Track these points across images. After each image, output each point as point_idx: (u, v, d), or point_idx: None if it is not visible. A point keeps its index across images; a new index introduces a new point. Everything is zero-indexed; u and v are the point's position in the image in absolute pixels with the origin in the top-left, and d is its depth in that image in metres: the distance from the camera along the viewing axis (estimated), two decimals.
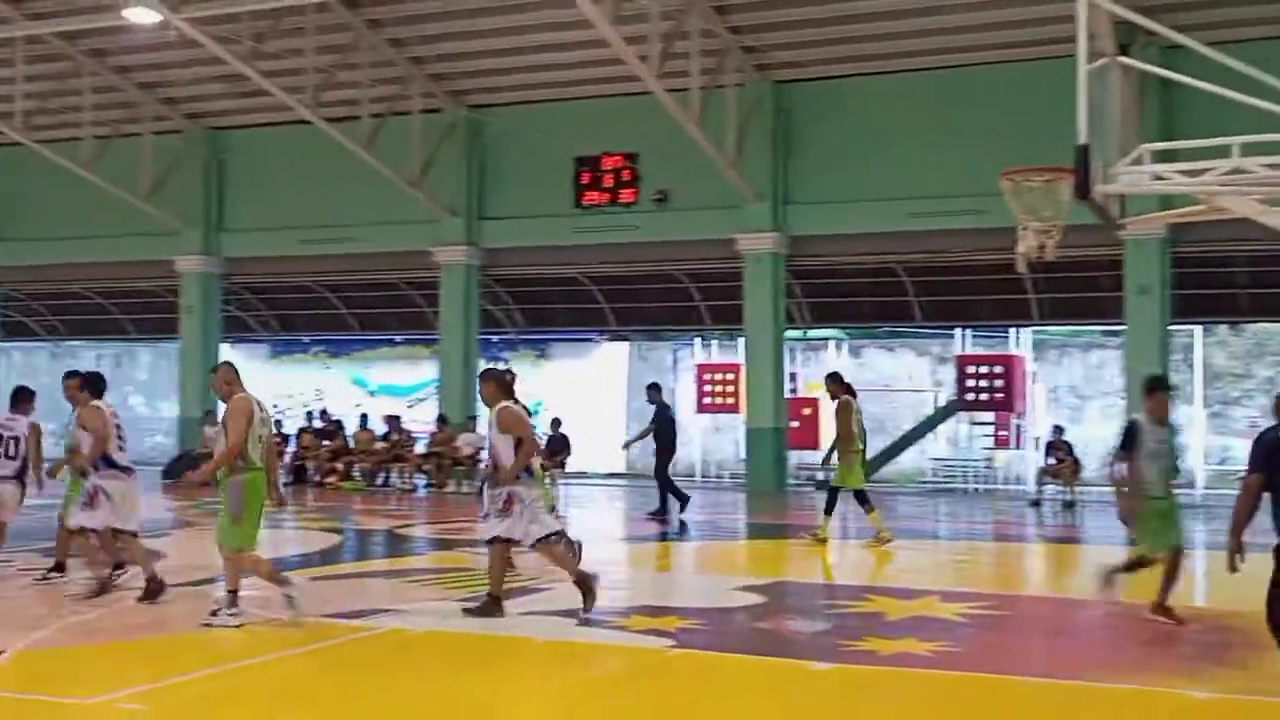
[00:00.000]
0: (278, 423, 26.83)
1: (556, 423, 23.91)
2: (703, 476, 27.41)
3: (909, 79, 22.58)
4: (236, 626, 9.20)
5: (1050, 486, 21.96)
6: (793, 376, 26.08)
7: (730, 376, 26.52)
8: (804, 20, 21.63)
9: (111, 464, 10.45)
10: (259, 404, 9.56)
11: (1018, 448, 25.58)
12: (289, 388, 30.51)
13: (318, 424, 25.92)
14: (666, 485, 18.59)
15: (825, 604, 11.32)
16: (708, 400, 26.88)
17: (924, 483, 26.53)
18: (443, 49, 23.65)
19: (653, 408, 19.11)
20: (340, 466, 24.61)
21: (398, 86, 24.07)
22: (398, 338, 30.41)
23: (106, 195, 26.16)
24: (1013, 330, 25.71)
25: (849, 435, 15.01)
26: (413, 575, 12.73)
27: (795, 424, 25.04)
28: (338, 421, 25.77)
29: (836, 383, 15.53)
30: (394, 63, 23.64)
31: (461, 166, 25.04)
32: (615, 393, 28.53)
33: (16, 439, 11.19)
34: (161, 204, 26.62)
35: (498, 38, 22.78)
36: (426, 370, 28.85)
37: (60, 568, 11.57)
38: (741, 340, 25.06)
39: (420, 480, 24.09)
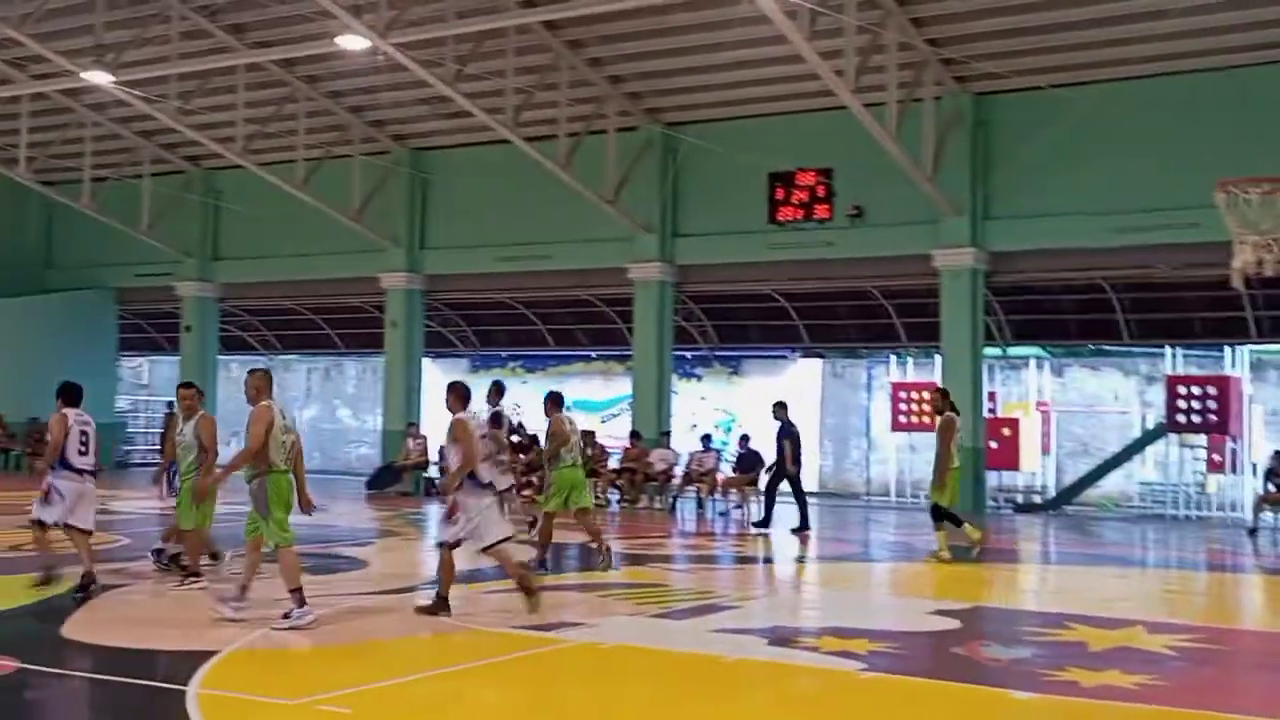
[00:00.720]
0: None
1: (745, 439, 23.83)
2: (898, 496, 26.95)
3: (1115, 88, 21.82)
4: (309, 625, 9.54)
5: (1269, 514, 20.86)
6: (991, 396, 25.44)
7: (926, 395, 26.02)
8: (1005, 30, 21.14)
9: (68, 466, 11.16)
10: (281, 412, 10.26)
11: (1233, 473, 24.39)
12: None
13: (513, 438, 26.38)
14: (769, 495, 19.28)
15: (1024, 631, 10.96)
16: (903, 419, 26.44)
17: (1130, 507, 25.53)
18: (640, 67, 23.92)
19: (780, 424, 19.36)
20: (535, 481, 25.00)
21: (595, 105, 24.44)
22: (592, 353, 30.80)
23: (318, 215, 27.28)
24: (1228, 349, 24.56)
25: (948, 453, 14.89)
26: (605, 590, 12.84)
27: (994, 444, 24.42)
28: (533, 436, 26.18)
29: (944, 398, 15.50)
30: (592, 82, 24.01)
31: (656, 183, 25.25)
32: (809, 410, 28.31)
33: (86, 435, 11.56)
34: (369, 223, 27.61)
35: (694, 55, 22.92)
36: (620, 386, 29.14)
37: (213, 556, 12.90)
38: (938, 358, 24.58)
39: (613, 495, 24.31)
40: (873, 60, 20.31)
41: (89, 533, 11.33)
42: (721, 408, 29.33)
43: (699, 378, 29.37)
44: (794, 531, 18.57)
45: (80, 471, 11.28)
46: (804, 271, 25.09)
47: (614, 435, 26.95)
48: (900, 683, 8.41)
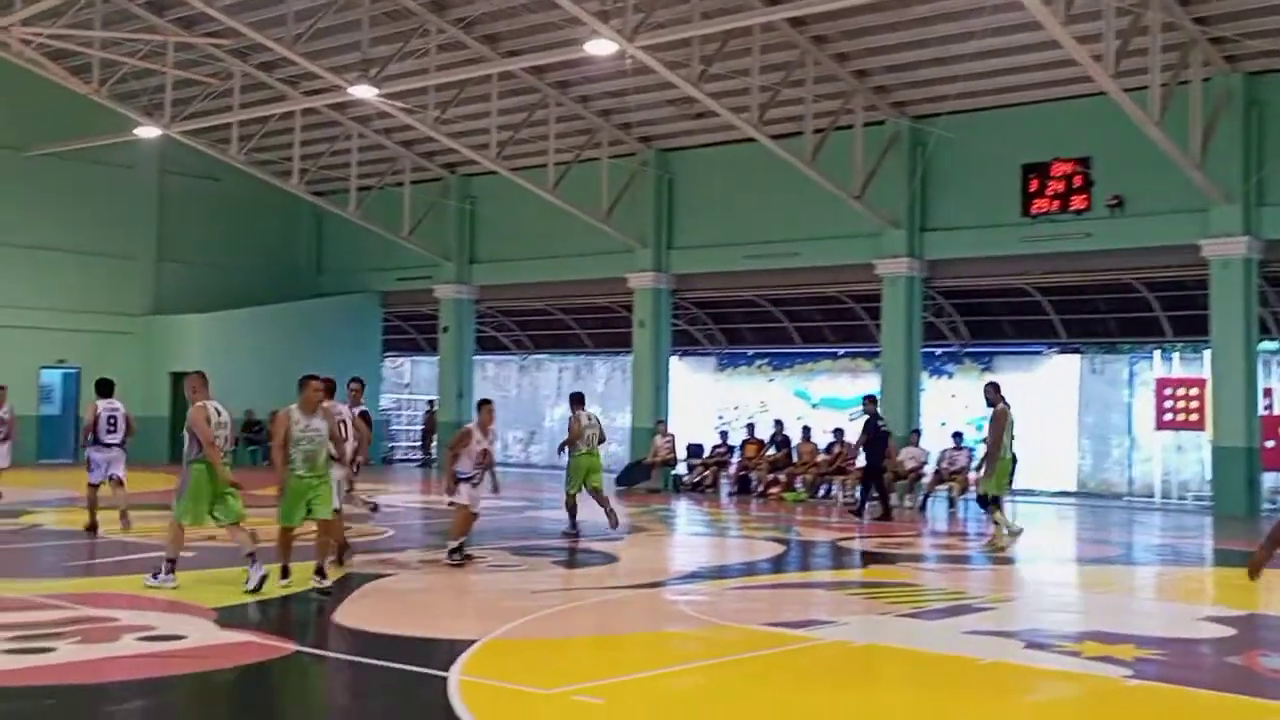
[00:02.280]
0: (724, 434, 27.82)
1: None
2: (1163, 497, 25.72)
3: None
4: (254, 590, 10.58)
5: None
6: (1267, 392, 23.97)
7: (1194, 391, 24.75)
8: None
9: (98, 441, 15.42)
10: (216, 409, 11.23)
11: None
12: (734, 399, 31.34)
13: (761, 436, 26.38)
14: (868, 489, 20.38)
15: None
16: (1168, 417, 25.20)
17: None
18: (886, 60, 23.55)
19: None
20: (783, 478, 24.97)
21: (841, 100, 24.20)
22: (839, 351, 30.52)
23: (568, 217, 27.92)
24: None
25: (999, 443, 15.59)
26: (854, 588, 12.70)
27: (1270, 444, 23.01)
28: (786, 436, 26.11)
29: (995, 391, 15.99)
30: (838, 77, 23.79)
31: (904, 178, 24.81)
32: (1066, 407, 27.31)
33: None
34: (617, 224, 28.09)
35: (941, 45, 22.42)
36: (868, 383, 28.77)
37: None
38: (1207, 353, 23.32)
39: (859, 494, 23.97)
40: (1134, 43, 19.41)
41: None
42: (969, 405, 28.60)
43: (949, 375, 28.68)
44: (875, 518, 19.78)
45: (106, 445, 15.52)
46: (1060, 264, 24.21)
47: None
48: (1171, 692, 8.01)
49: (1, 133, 29.48)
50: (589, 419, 16.89)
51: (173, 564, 10.99)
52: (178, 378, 30.81)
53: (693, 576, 13.52)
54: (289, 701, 7.78)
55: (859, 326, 28.90)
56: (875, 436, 20.18)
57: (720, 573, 14.04)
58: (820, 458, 24.92)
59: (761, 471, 25.25)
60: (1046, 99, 23.15)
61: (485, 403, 14.14)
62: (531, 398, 35.96)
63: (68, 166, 30.13)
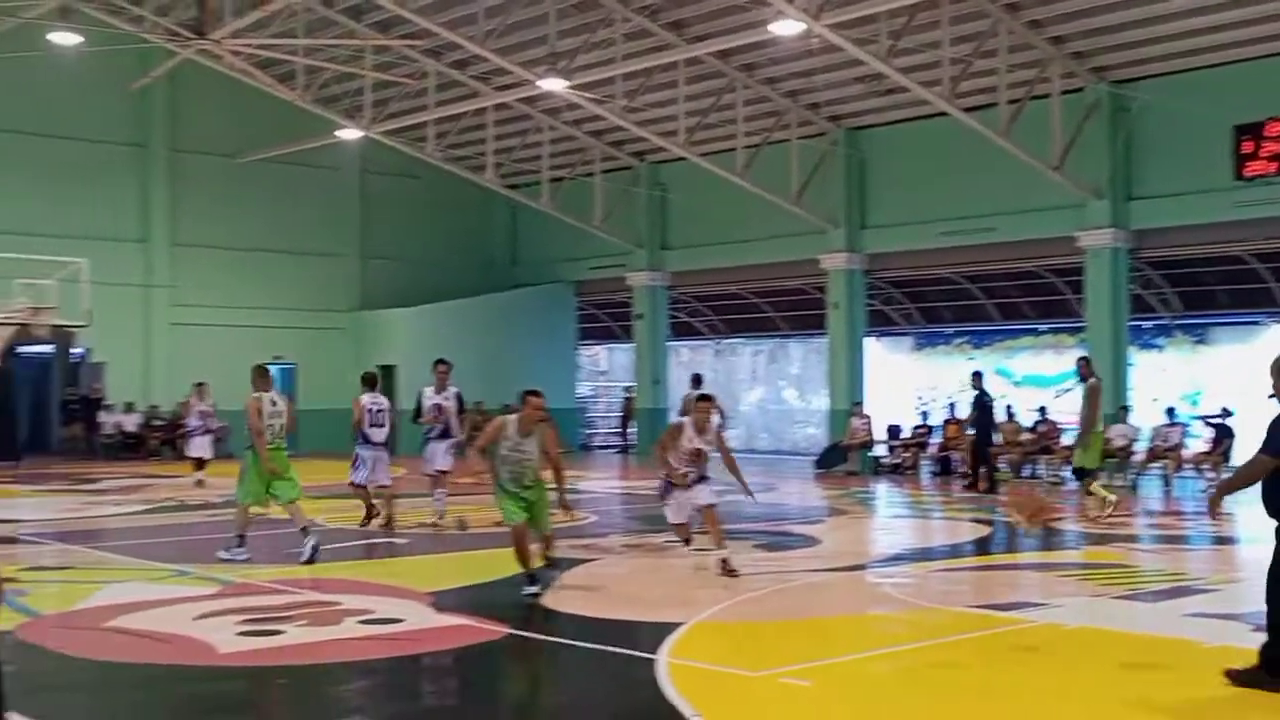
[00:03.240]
0: (924, 414, 27.41)
1: (1225, 412, 22.20)
2: None
3: None
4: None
5: None
6: None
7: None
8: None
9: (366, 440, 15.07)
10: (272, 400, 12.52)
11: None
12: (933, 379, 30.80)
13: (962, 416, 25.87)
14: (983, 461, 21.00)
15: None
16: None
17: None
18: (1084, 25, 22.74)
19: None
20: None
21: (1036, 70, 23.49)
22: (1041, 326, 29.68)
23: (758, 200, 27.84)
24: None
25: (1093, 418, 16.11)
26: (1065, 569, 12.36)
27: None
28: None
29: (1087, 365, 16.73)
30: (1032, 45, 23.09)
31: (1105, 146, 23.92)
32: None
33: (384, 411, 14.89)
34: (808, 205, 27.88)
35: (1143, 6, 21.53)
36: (1072, 359, 27.88)
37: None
38: None
39: (1067, 473, 23.32)
40: None
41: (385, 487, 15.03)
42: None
43: (1159, 348, 27.59)
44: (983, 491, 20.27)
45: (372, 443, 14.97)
46: (1278, 230, 23.03)
47: (1067, 411, 25.81)
48: None
49: (216, 141, 30.97)
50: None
51: (241, 539, 12.43)
52: (385, 371, 31.94)
53: (896, 559, 13.38)
54: (504, 683, 8.00)
55: (1060, 301, 28.04)
56: (983, 411, 21.04)
57: (924, 555, 13.85)
58: (1024, 436, 24.30)
59: (963, 452, 24.75)
60: (1260, 55, 22.01)
61: (704, 398, 12.26)
62: (726, 382, 36.02)
63: (276, 170, 31.47)
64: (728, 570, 11.14)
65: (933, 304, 31.16)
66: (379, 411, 14.94)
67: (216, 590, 10.58)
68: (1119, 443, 22.38)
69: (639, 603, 10.35)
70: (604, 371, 40.00)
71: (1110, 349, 24.09)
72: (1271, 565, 7.23)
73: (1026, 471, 23.99)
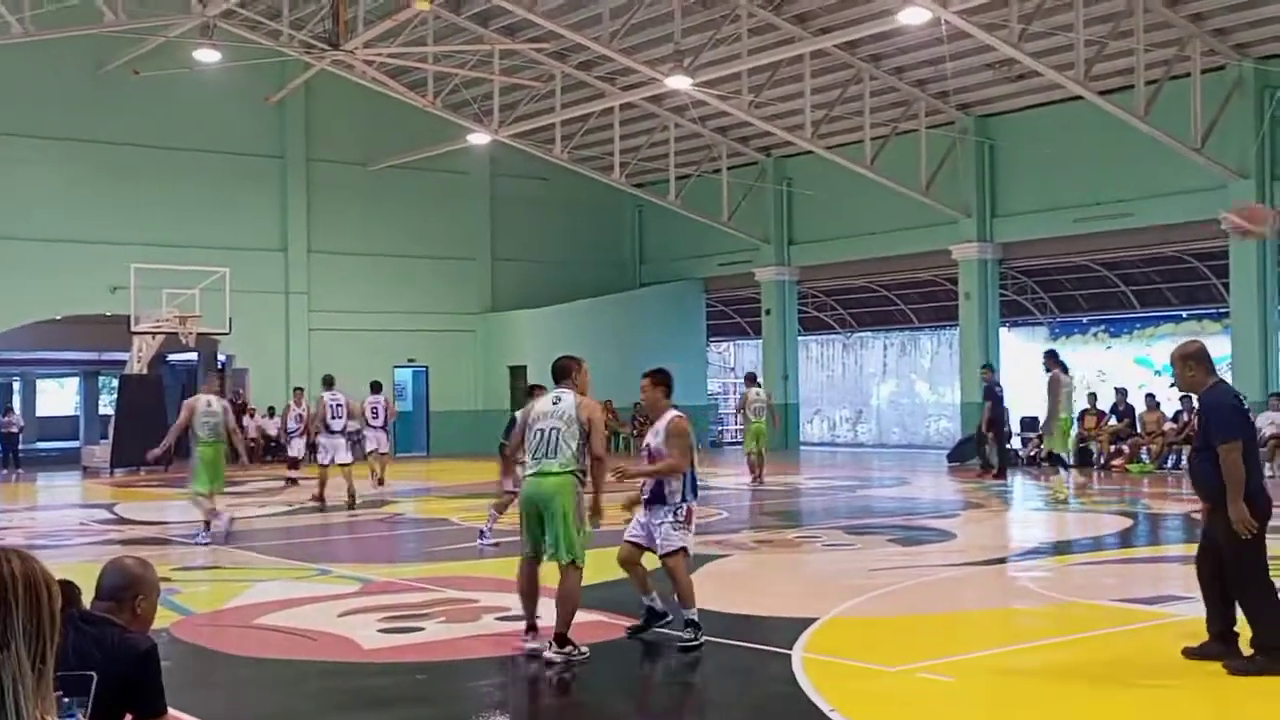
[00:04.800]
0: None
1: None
2: None
3: None
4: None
5: None
6: None
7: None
8: None
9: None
10: (208, 402, 14.58)
11: None
12: (1071, 369, 30.07)
13: (1103, 406, 25.26)
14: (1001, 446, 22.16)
15: None
16: None
17: None
18: (1224, 0, 22.03)
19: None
20: (1126, 449, 23.83)
21: (1174, 48, 22.82)
22: (1183, 313, 28.82)
23: (887, 192, 27.53)
24: None
25: (1055, 408, 17.40)
26: None
27: None
28: (1130, 405, 24.87)
29: (1053, 359, 17.83)
30: (1171, 23, 22.43)
31: (1251, 126, 23.12)
32: None
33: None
34: (938, 195, 27.48)
35: None
36: (1217, 346, 27.05)
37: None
38: None
39: None
40: None
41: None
42: None
43: None
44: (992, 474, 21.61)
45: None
46: None
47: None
48: None
49: (350, 150, 31.69)
50: (756, 392, 22.01)
51: (206, 524, 14.26)
52: (515, 372, 32.36)
53: (1035, 552, 13.14)
54: (640, 678, 8.05)
55: (1202, 286, 27.20)
56: (995, 401, 21.90)
57: (1064, 548, 13.57)
58: (1168, 426, 23.63)
59: (1103, 443, 24.17)
60: None
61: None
62: (856, 376, 35.70)
63: (408, 176, 32.09)
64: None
65: (1067, 292, 30.46)
66: (337, 406, 18.47)
67: (358, 588, 10.83)
68: (1269, 431, 21.64)
69: (773, 598, 10.32)
70: (733, 368, 39.93)
71: (1258, 333, 23.31)
72: (1200, 545, 7.76)
73: (1169, 461, 23.31)
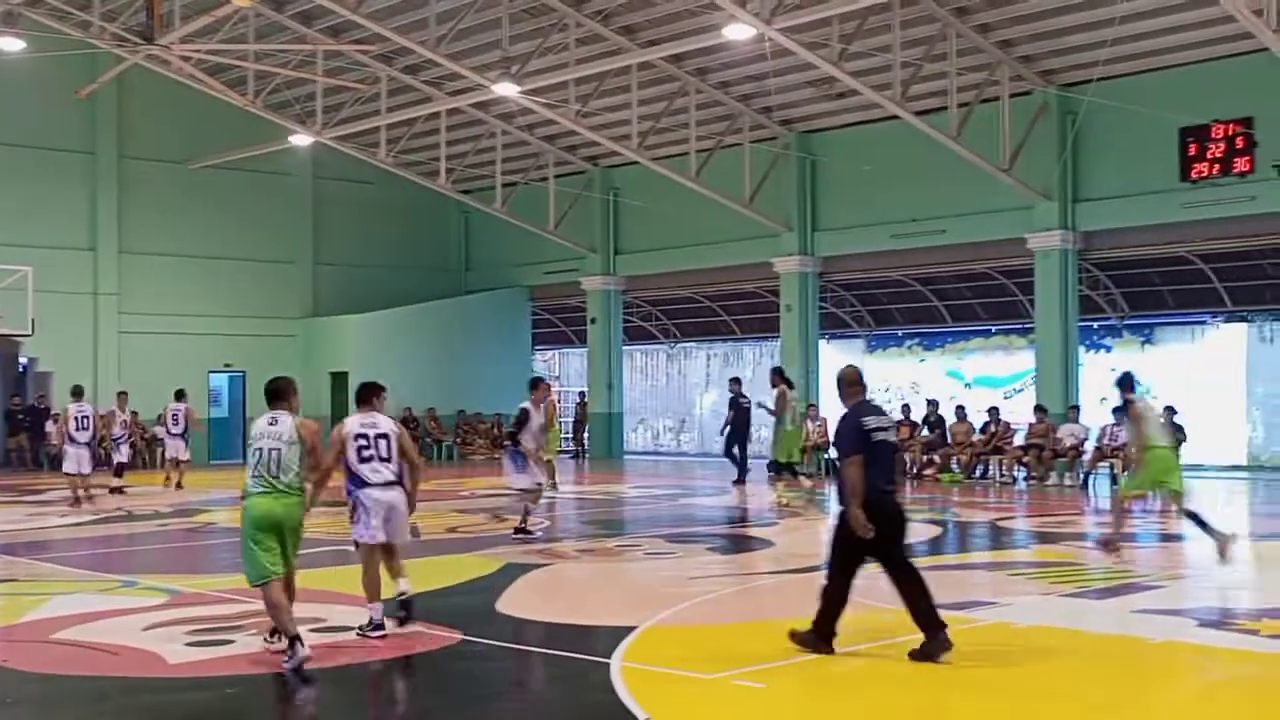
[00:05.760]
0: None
1: (1170, 410, 22.44)
2: None
3: None
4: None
5: None
6: None
7: None
8: None
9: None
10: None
11: None
12: (885, 381, 30.95)
13: (915, 418, 26.04)
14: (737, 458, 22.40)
15: None
16: None
17: None
18: (1032, 29, 22.97)
19: None
20: (938, 459, 24.62)
21: (986, 72, 23.71)
22: (992, 328, 29.94)
23: (711, 204, 27.89)
24: None
25: (781, 416, 19.05)
26: (1014, 568, 12.47)
27: None
28: (940, 417, 25.65)
29: (779, 375, 19.69)
30: (981, 49, 23.30)
31: (1054, 148, 24.18)
32: (1233, 378, 26.34)
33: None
34: (761, 209, 27.97)
35: (1088, 10, 21.76)
36: (1022, 360, 28.18)
37: None
38: None
39: (1020, 473, 23.56)
40: None
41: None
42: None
43: (1108, 349, 27.90)
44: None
45: None
46: (1223, 230, 23.31)
47: (1018, 411, 26.06)
48: None
49: (166, 148, 30.64)
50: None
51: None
52: (337, 378, 31.76)
53: None
54: (460, 688, 7.96)
55: (1011, 302, 28.30)
56: (740, 411, 22.66)
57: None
58: (976, 438, 24.50)
59: (915, 453, 24.93)
60: (1203, 59, 22.32)
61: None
62: (680, 386, 36.06)
63: (227, 177, 31.20)
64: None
65: (884, 306, 31.35)
66: (83, 417, 19.55)
67: (166, 600, 10.47)
68: (1069, 442, 22.62)
69: (592, 607, 10.34)
70: (557, 377, 39.90)
71: (1060, 349, 24.37)
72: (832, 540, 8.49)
73: (978, 471, 24.17)
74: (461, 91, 27.08)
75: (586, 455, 33.34)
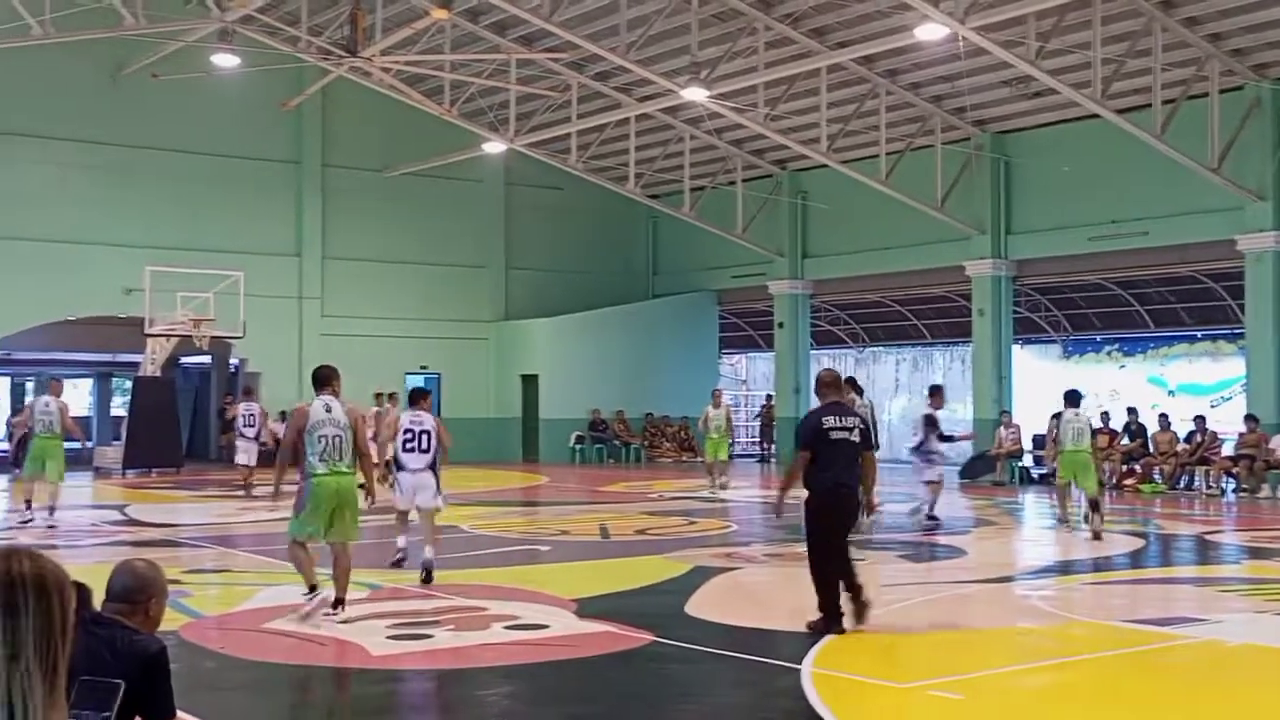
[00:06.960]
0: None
1: None
2: None
3: None
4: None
5: None
6: None
7: None
8: None
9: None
10: (45, 403, 16.49)
11: None
12: (1082, 388, 29.98)
13: (1115, 426, 25.17)
14: None
15: None
16: None
17: None
18: (1243, 21, 21.96)
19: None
20: (1139, 469, 23.75)
21: (1192, 68, 22.78)
22: (1198, 334, 28.75)
23: (901, 207, 27.50)
24: None
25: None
26: (1225, 584, 11.94)
27: None
28: (1141, 425, 24.76)
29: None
30: (1188, 43, 22.40)
31: (1268, 146, 23.05)
32: None
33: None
34: (952, 211, 27.45)
35: None
36: (1231, 367, 26.98)
37: None
38: None
39: (1228, 484, 22.55)
40: None
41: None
42: None
43: None
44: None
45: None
46: None
47: (1224, 420, 24.94)
48: None
49: (366, 157, 31.75)
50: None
51: (29, 504, 16.32)
52: (527, 380, 32.39)
53: (1044, 571, 13.08)
54: (648, 690, 8.03)
55: (1218, 307, 27.13)
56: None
57: (1073, 567, 13.51)
58: (1180, 447, 23.55)
59: (1115, 463, 24.10)
60: None
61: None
62: (869, 391, 35.61)
63: (423, 184, 32.13)
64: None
65: (1081, 310, 30.41)
66: (250, 415, 21.66)
67: (367, 594, 10.82)
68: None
69: (782, 611, 10.29)
70: (744, 381, 39.92)
71: (1274, 356, 23.20)
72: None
73: (1182, 483, 23.23)
74: (651, 97, 27.31)
75: (774, 459, 33.21)
